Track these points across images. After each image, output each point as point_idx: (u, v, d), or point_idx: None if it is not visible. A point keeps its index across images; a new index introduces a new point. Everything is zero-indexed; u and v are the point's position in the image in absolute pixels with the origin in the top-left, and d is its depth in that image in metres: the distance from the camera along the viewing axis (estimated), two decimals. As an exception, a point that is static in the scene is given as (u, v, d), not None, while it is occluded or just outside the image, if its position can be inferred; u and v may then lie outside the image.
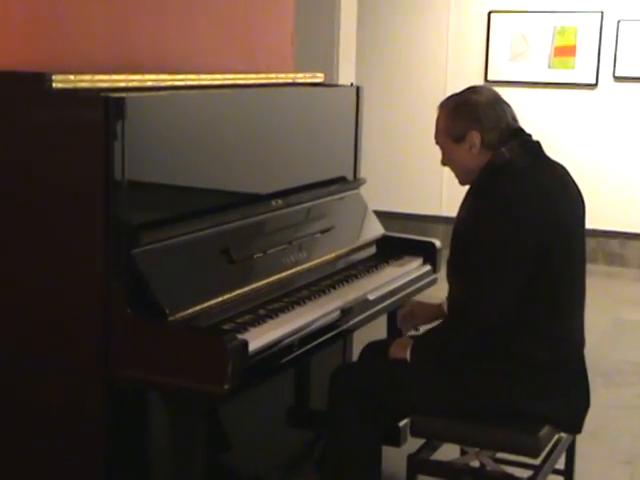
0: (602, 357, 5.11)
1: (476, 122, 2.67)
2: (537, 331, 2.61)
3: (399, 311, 3.13)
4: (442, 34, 7.70)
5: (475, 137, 2.67)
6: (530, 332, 2.61)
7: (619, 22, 7.11)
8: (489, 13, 7.50)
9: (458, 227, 2.72)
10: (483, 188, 2.64)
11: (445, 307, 2.92)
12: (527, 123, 7.55)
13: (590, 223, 7.75)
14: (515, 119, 2.74)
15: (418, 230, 7.07)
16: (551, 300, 2.63)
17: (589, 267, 7.42)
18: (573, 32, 7.27)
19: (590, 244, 7.40)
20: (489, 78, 7.52)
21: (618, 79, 7.20)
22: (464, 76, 7.47)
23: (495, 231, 2.55)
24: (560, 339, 2.66)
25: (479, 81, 7.41)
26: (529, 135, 2.75)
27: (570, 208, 2.70)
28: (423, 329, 2.97)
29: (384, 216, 6.77)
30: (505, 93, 7.90)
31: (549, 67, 7.37)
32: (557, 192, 2.66)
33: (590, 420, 4.14)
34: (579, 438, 3.80)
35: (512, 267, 2.56)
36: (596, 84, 7.26)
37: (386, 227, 3.68)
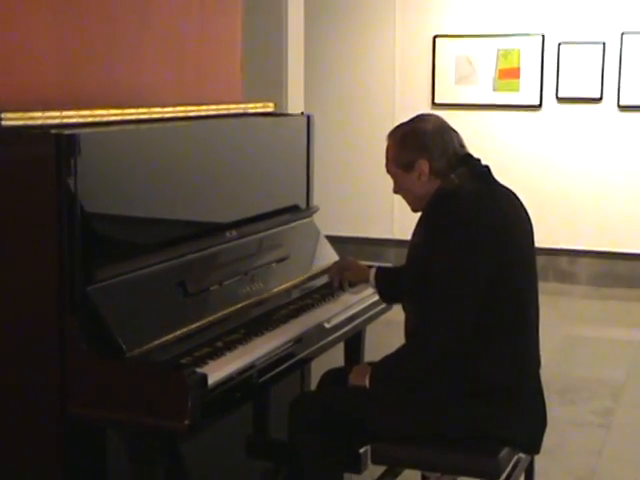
0: (555, 374, 5.18)
1: (424, 151, 2.71)
2: (494, 353, 2.64)
3: (332, 264, 3.28)
4: (388, 59, 7.78)
5: (424, 165, 2.71)
6: (487, 355, 2.64)
7: (559, 45, 7.26)
8: (434, 37, 7.61)
9: (411, 253, 2.75)
10: (434, 214, 2.68)
11: (372, 274, 3.08)
12: (474, 145, 7.68)
13: (539, 241, 7.87)
14: (462, 145, 2.78)
15: (371, 253, 7.11)
16: (507, 322, 2.66)
17: (540, 285, 7.51)
18: (516, 55, 7.40)
19: (540, 262, 7.45)
20: (436, 101, 7.62)
21: (561, 100, 7.34)
22: (411, 100, 7.57)
23: (448, 256, 2.58)
24: (517, 360, 2.69)
25: (426, 104, 7.52)
26: (478, 160, 2.80)
27: (521, 230, 2.75)
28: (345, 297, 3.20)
29: (337, 240, 6.81)
30: (452, 116, 8.06)
31: (494, 90, 7.49)
32: (507, 215, 2.71)
33: (547, 438, 4.18)
34: (537, 456, 3.86)
35: (466, 291, 2.59)
36: (540, 105, 7.40)
37: (340, 251, 3.69)
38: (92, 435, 2.53)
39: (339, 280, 3.25)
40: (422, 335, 2.66)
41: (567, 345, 5.85)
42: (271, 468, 3.49)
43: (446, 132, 2.76)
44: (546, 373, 5.10)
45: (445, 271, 2.59)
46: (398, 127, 2.82)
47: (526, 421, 2.71)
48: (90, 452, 2.56)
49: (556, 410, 4.61)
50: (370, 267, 3.17)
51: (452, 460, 2.65)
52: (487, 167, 2.79)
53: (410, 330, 2.75)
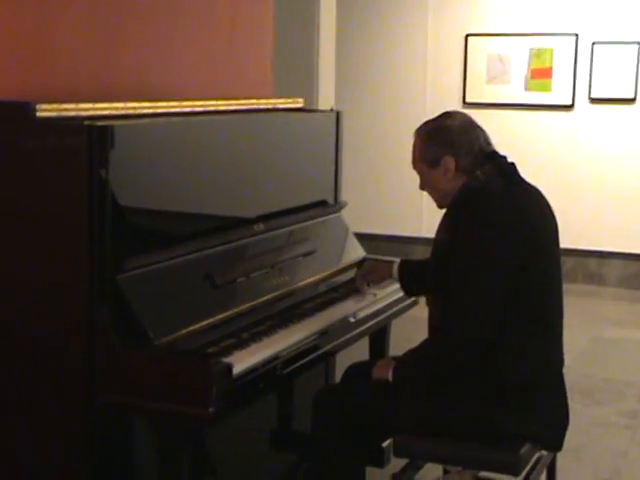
0: (582, 375, 5.18)
1: (450, 147, 2.73)
2: (517, 350, 2.66)
3: (355, 273, 3.32)
4: (420, 58, 7.79)
5: (449, 162, 2.73)
6: (510, 351, 2.65)
7: (593, 44, 7.23)
8: (466, 36, 7.60)
9: (436, 249, 2.77)
10: (459, 210, 2.70)
11: (395, 268, 3.12)
12: (505, 144, 7.64)
13: (568, 242, 7.86)
14: (489, 143, 2.80)
15: (399, 251, 7.13)
16: (530, 319, 2.67)
17: (568, 286, 7.51)
18: (549, 54, 7.38)
19: (569, 263, 7.52)
20: (467, 100, 7.62)
21: (594, 101, 7.31)
22: (442, 99, 7.56)
23: (472, 252, 2.60)
24: (539, 358, 2.70)
25: (457, 103, 7.51)
26: (504, 157, 2.81)
27: (545, 228, 2.75)
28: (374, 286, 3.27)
29: (366, 238, 6.84)
30: (483, 115, 8.04)
31: (526, 89, 7.47)
32: (531, 212, 2.72)
33: (571, 438, 4.19)
34: (561, 456, 3.85)
35: (490, 287, 2.61)
36: (572, 105, 7.37)
37: (368, 249, 3.73)
38: (120, 421, 2.58)
39: (367, 285, 3.28)
40: (445, 331, 2.68)
41: (594, 346, 5.83)
42: (294, 460, 3.53)
43: (472, 129, 2.78)
44: (573, 374, 5.14)
45: (468, 267, 2.61)
46: (425, 124, 2.84)
47: (548, 418, 2.72)
48: (118, 438, 2.61)
49: (581, 411, 4.62)
50: (393, 261, 3.19)
51: (473, 454, 2.67)
52: (513, 164, 2.80)
53: (434, 325, 2.77)
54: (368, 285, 3.28)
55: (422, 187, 2.88)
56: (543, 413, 2.70)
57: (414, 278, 3.09)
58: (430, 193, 2.87)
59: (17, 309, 2.55)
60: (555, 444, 2.82)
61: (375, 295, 3.28)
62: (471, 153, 2.74)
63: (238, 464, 3.19)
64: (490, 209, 2.64)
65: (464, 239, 2.63)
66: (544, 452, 2.89)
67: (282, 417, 3.52)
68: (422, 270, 3.00)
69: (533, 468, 2.81)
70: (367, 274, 3.25)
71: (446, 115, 2.85)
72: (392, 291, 3.44)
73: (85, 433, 2.50)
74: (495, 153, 2.81)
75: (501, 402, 2.64)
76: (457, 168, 2.75)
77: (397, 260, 3.19)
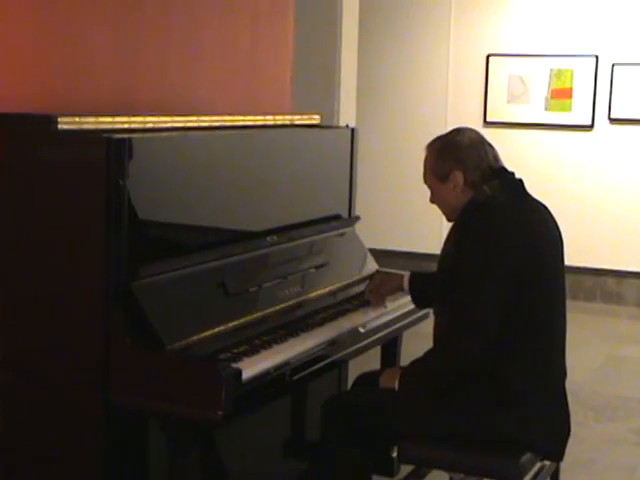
0: (595, 392, 5.21)
1: (459, 163, 2.81)
2: (519, 361, 2.73)
3: (367, 285, 3.38)
4: (442, 77, 7.88)
5: (458, 177, 2.81)
6: (512, 362, 2.72)
7: (613, 66, 7.29)
8: (487, 56, 7.69)
9: (443, 261, 2.85)
10: (465, 224, 2.78)
11: (406, 280, 3.18)
12: (525, 164, 7.74)
13: (587, 262, 7.86)
14: (497, 159, 2.87)
15: (419, 268, 7.18)
16: (532, 331, 2.74)
17: (586, 305, 7.52)
18: (569, 75, 7.44)
19: (588, 282, 7.56)
20: (488, 120, 7.69)
21: (613, 121, 7.36)
22: (464, 118, 7.63)
23: (477, 263, 2.68)
24: (541, 369, 2.77)
25: (478, 122, 7.58)
26: (512, 174, 2.88)
27: (549, 242, 2.82)
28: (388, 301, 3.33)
29: (385, 255, 6.94)
30: (503, 135, 8.09)
31: (546, 109, 7.53)
32: (536, 226, 2.79)
33: (582, 452, 4.26)
34: (570, 469, 3.91)
35: (494, 298, 2.68)
36: (592, 126, 7.42)
37: (387, 265, 3.80)
38: (134, 423, 2.67)
39: (379, 299, 3.34)
40: (448, 340, 2.75)
41: (609, 364, 5.86)
42: (307, 469, 3.60)
43: (481, 146, 2.86)
44: (586, 390, 5.18)
45: (472, 278, 2.68)
46: (436, 139, 2.93)
47: (548, 428, 2.78)
48: (131, 439, 2.69)
49: (593, 426, 4.67)
50: (403, 274, 3.27)
51: (475, 462, 2.74)
52: (520, 180, 2.87)
53: (439, 335, 2.84)
54: (381, 297, 3.33)
55: (432, 201, 2.97)
56: (544, 422, 2.76)
57: (425, 290, 3.16)
58: (440, 207, 2.96)
59: (35, 315, 2.65)
60: (556, 454, 2.88)
61: (386, 307, 3.35)
62: (479, 168, 2.82)
63: (251, 472, 3.26)
64: (495, 222, 2.72)
65: (469, 251, 2.71)
66: (547, 462, 2.95)
67: (295, 426, 3.60)
68: (432, 282, 3.07)
69: (535, 477, 2.87)
70: (378, 286, 3.31)
71: (456, 131, 2.93)
72: (403, 303, 3.51)
73: (100, 433, 2.59)
74: (503, 169, 2.89)
75: (503, 410, 2.71)
76: (465, 183, 2.83)
77: (407, 273, 3.26)
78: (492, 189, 2.80)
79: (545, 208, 2.90)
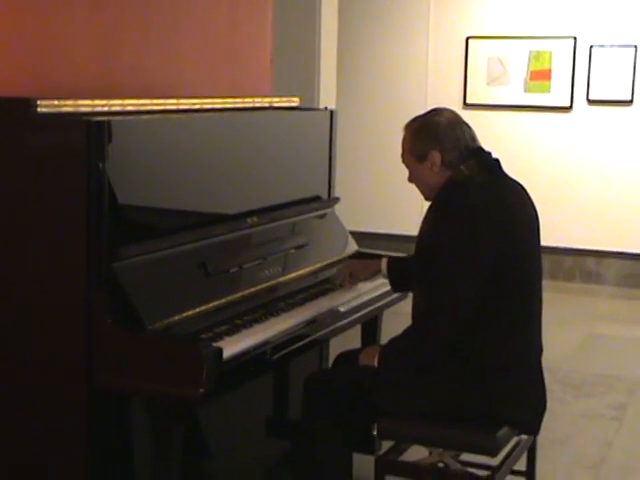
0: (574, 370, 5.29)
1: (436, 142, 2.85)
2: (495, 338, 2.78)
3: (337, 271, 3.40)
4: (422, 59, 7.92)
5: (436, 156, 2.85)
6: (489, 339, 2.77)
7: (591, 47, 7.34)
8: (467, 39, 7.72)
9: (420, 240, 2.90)
10: (443, 203, 2.82)
11: (384, 265, 3.19)
12: (505, 145, 7.78)
13: (567, 242, 7.92)
14: (474, 139, 2.91)
15: (400, 250, 7.19)
16: (508, 309, 2.79)
17: (566, 285, 7.58)
18: (548, 57, 7.49)
19: (567, 263, 7.63)
20: (468, 102, 7.73)
21: (592, 102, 7.42)
22: (443, 100, 7.63)
23: (454, 242, 2.72)
24: (517, 346, 2.82)
25: (458, 104, 7.63)
26: (488, 154, 2.92)
27: (525, 220, 2.87)
28: (361, 285, 3.35)
29: (368, 237, 6.98)
30: (483, 117, 8.12)
31: (525, 91, 7.58)
32: (513, 205, 2.83)
33: (560, 428, 4.34)
34: (548, 444, 3.98)
35: (471, 276, 2.73)
36: (571, 107, 7.48)
37: (369, 247, 3.83)
38: (117, 403, 2.70)
39: (351, 284, 3.37)
40: (426, 318, 2.80)
41: (589, 343, 5.94)
42: (289, 448, 3.64)
43: (458, 126, 2.90)
44: (566, 368, 5.26)
45: (449, 257, 2.73)
46: (414, 119, 2.97)
47: (524, 402, 2.83)
48: (115, 418, 2.73)
49: (571, 403, 4.74)
50: (381, 257, 3.30)
51: (453, 436, 2.79)
52: (497, 160, 2.92)
53: (417, 313, 2.89)
54: (352, 282, 3.36)
55: (410, 180, 3.01)
56: (520, 397, 2.82)
57: (403, 275, 3.20)
58: (418, 186, 3.00)
59: (18, 296, 2.68)
60: (532, 428, 2.93)
61: (359, 291, 3.36)
62: (456, 148, 2.86)
63: (233, 450, 3.30)
64: (471, 202, 2.76)
65: (446, 231, 2.75)
66: (524, 437, 3.01)
67: (277, 404, 3.64)
68: (410, 262, 3.12)
69: (512, 451, 2.93)
70: (355, 273, 3.34)
71: (434, 112, 2.97)
72: (382, 283, 3.55)
73: (83, 413, 2.62)
74: (480, 149, 2.93)
75: (480, 386, 2.76)
76: (443, 163, 2.87)
77: (384, 258, 3.29)
78: (469, 169, 2.84)
79: (522, 187, 2.94)
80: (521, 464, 3.08)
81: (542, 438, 3.12)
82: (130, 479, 2.86)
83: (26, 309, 2.67)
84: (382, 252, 3.80)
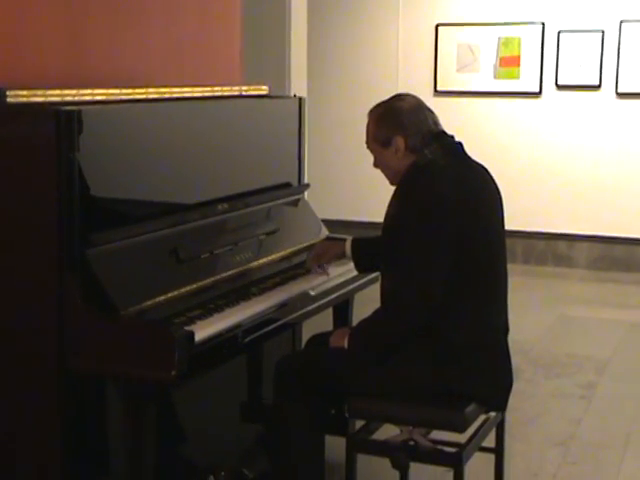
0: (545, 351, 5.39)
1: (399, 128, 2.91)
2: (461, 317, 2.84)
3: (307, 254, 3.43)
4: (392, 47, 7.97)
5: (399, 141, 2.91)
6: (454, 317, 2.84)
7: (559, 33, 7.43)
8: (436, 26, 7.79)
9: (386, 224, 2.95)
10: (407, 186, 2.88)
11: (348, 246, 3.25)
12: (476, 132, 7.84)
13: (538, 226, 8.02)
14: (437, 123, 2.97)
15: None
16: (473, 288, 2.86)
17: (538, 269, 7.68)
18: (517, 43, 7.57)
19: (539, 247, 7.73)
20: (438, 89, 7.81)
21: (561, 87, 7.51)
22: (414, 87, 7.69)
23: (419, 224, 2.79)
24: (482, 324, 2.89)
25: (429, 92, 7.70)
26: (451, 137, 2.98)
27: (489, 202, 2.94)
28: (331, 269, 3.40)
29: (340, 224, 7.03)
30: (454, 103, 8.17)
31: (495, 77, 7.66)
32: (476, 187, 2.90)
33: (530, 407, 4.42)
34: (518, 423, 4.07)
35: (436, 257, 2.79)
36: (540, 92, 7.56)
37: (343, 234, 3.87)
38: (91, 387, 2.75)
39: (320, 268, 3.40)
40: (394, 300, 2.86)
41: (559, 324, 6.04)
42: (263, 429, 3.70)
43: (421, 111, 2.96)
44: (537, 349, 5.36)
45: (414, 239, 2.79)
46: (377, 105, 3.02)
47: (490, 380, 2.90)
48: (88, 403, 2.77)
49: (542, 383, 4.83)
50: (344, 240, 3.36)
51: (422, 414, 2.86)
52: (459, 143, 2.98)
53: (385, 295, 2.95)
54: (320, 266, 3.39)
55: (376, 165, 3.07)
56: (487, 375, 2.89)
57: (367, 255, 3.26)
58: (383, 172, 3.06)
59: (-7, 283, 2.72)
60: (499, 405, 3.01)
61: (328, 275, 3.42)
62: (420, 133, 2.92)
63: (207, 432, 3.36)
64: (435, 183, 2.83)
65: (411, 212, 2.81)
66: (492, 414, 3.08)
67: (251, 389, 3.70)
68: (374, 246, 3.18)
69: (480, 427, 3.00)
70: (320, 255, 3.38)
71: (397, 97, 3.03)
72: (352, 267, 3.61)
73: (56, 398, 2.66)
74: (443, 132, 2.99)
75: (447, 364, 2.83)
76: (407, 147, 2.92)
77: (348, 239, 3.34)
78: (433, 153, 2.90)
79: (485, 170, 3.01)
80: (491, 441, 3.16)
81: (513, 417, 3.20)
82: (104, 463, 2.91)
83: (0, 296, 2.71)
84: (352, 236, 3.86)
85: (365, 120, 3.05)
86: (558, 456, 3.92)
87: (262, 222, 3.43)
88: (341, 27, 8.08)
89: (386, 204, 3.00)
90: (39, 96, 2.71)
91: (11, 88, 2.63)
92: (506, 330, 3.02)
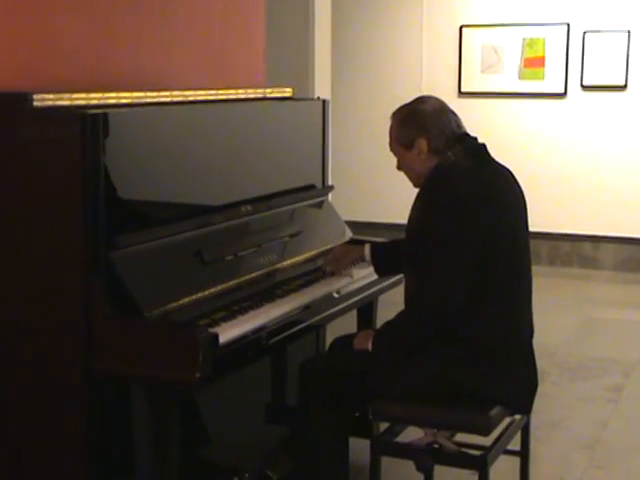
0: (571, 353, 5.36)
1: (423, 130, 2.90)
2: (485, 319, 2.83)
3: (324, 258, 3.43)
4: (416, 49, 7.96)
5: (422, 144, 2.91)
6: (479, 320, 2.83)
7: (585, 33, 7.38)
8: (460, 27, 7.77)
9: (410, 226, 2.95)
10: (431, 188, 2.88)
11: (367, 251, 3.23)
12: (500, 133, 7.80)
13: (564, 228, 7.97)
14: (460, 125, 2.96)
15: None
16: (497, 290, 2.84)
17: (564, 270, 7.63)
18: (542, 44, 7.54)
19: (564, 248, 7.69)
20: (462, 90, 7.78)
21: (585, 88, 7.47)
22: (438, 89, 7.70)
23: (443, 227, 2.78)
24: (507, 326, 2.87)
25: (453, 93, 7.69)
26: (474, 139, 2.97)
27: (513, 204, 2.92)
28: (356, 271, 3.39)
29: (363, 227, 7.03)
30: (477, 105, 8.14)
31: (519, 78, 7.63)
32: (500, 189, 2.89)
33: (556, 410, 4.40)
34: (542, 426, 4.05)
35: (460, 259, 2.78)
36: (565, 93, 7.52)
37: (365, 237, 3.87)
38: (116, 389, 2.76)
39: (338, 271, 3.40)
40: (418, 302, 2.86)
41: (585, 326, 6.00)
42: (287, 433, 3.70)
43: (444, 113, 2.95)
44: (562, 352, 5.32)
45: (438, 242, 2.78)
46: (400, 108, 3.02)
47: (515, 382, 2.89)
48: (114, 404, 2.79)
49: (568, 386, 4.80)
50: (363, 243, 3.35)
51: (446, 417, 2.85)
52: (483, 145, 2.97)
53: (409, 297, 2.94)
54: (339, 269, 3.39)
55: (399, 168, 3.07)
56: (511, 377, 2.88)
57: (387, 259, 3.26)
58: (406, 174, 3.05)
59: (18, 287, 2.73)
60: (524, 407, 2.99)
61: (352, 277, 3.42)
62: (443, 135, 2.92)
63: (232, 434, 3.36)
64: (458, 185, 2.82)
65: (435, 214, 2.81)
66: (517, 417, 3.07)
67: (275, 391, 3.70)
68: (394, 251, 3.17)
69: (505, 430, 2.99)
70: (337, 259, 3.37)
71: (420, 100, 3.03)
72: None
73: (81, 400, 2.68)
74: (466, 135, 2.98)
75: (472, 366, 2.82)
76: (430, 150, 2.92)
77: (367, 244, 3.33)
78: (456, 155, 2.89)
79: (509, 172, 2.99)
80: (516, 444, 3.14)
81: (538, 420, 3.17)
82: (129, 465, 2.93)
83: (26, 299, 2.73)
84: (375, 239, 3.87)
85: (389, 122, 3.04)
86: (584, 460, 3.89)
87: (286, 224, 3.44)
88: (365, 29, 8.07)
89: (409, 206, 3.00)
90: (65, 100, 2.73)
91: (38, 92, 2.65)
92: (531, 332, 3.01)
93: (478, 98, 7.70)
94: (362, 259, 3.31)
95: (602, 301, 6.72)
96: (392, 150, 3.02)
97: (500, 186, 2.90)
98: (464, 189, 2.80)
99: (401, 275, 3.70)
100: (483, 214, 2.79)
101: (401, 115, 2.97)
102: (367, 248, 3.29)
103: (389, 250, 3.27)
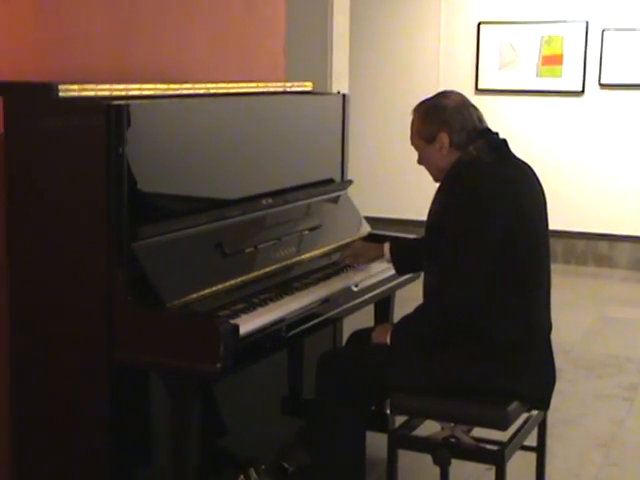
0: (586, 351, 5.35)
1: (444, 124, 2.91)
2: (504, 314, 2.84)
3: (341, 253, 3.44)
4: (434, 45, 7.96)
5: (444, 138, 2.91)
6: (498, 315, 2.83)
7: (603, 31, 7.37)
8: (478, 24, 7.76)
9: (430, 220, 2.96)
10: (452, 183, 2.88)
11: (386, 250, 3.25)
12: (517, 130, 7.79)
13: (579, 226, 7.96)
14: (482, 120, 2.97)
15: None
16: (517, 286, 2.85)
17: (579, 269, 7.62)
18: (560, 41, 7.52)
19: (580, 246, 7.68)
20: (479, 87, 7.78)
21: (604, 86, 7.45)
22: (455, 85, 7.62)
23: (464, 221, 2.79)
24: (526, 321, 2.87)
25: (470, 90, 7.68)
26: (496, 134, 2.98)
27: (533, 200, 2.93)
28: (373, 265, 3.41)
29: (380, 222, 7.04)
30: (495, 102, 8.12)
31: (537, 75, 7.62)
32: (520, 185, 2.89)
33: (572, 408, 4.40)
34: (558, 424, 4.05)
35: (480, 254, 2.79)
36: (583, 91, 7.51)
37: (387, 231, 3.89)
38: (137, 379, 2.78)
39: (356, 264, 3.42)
40: (437, 296, 2.87)
41: (601, 325, 5.99)
42: (303, 424, 3.72)
43: (465, 108, 2.96)
44: (578, 350, 5.32)
45: (458, 236, 2.79)
46: (422, 102, 3.03)
47: (533, 377, 2.90)
48: (135, 393, 2.81)
49: (583, 383, 4.80)
50: (384, 242, 3.35)
51: (464, 411, 2.86)
52: (504, 140, 2.97)
53: (428, 290, 2.95)
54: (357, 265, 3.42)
55: (420, 162, 3.07)
56: (530, 372, 2.88)
57: (406, 257, 3.27)
58: (427, 168, 3.06)
59: (42, 277, 2.76)
60: (542, 403, 2.99)
61: (369, 272, 3.43)
62: (464, 130, 2.92)
63: (249, 426, 3.38)
64: (480, 180, 2.82)
65: (456, 209, 2.81)
66: (534, 413, 3.07)
67: (292, 384, 3.72)
68: (414, 249, 3.18)
69: (523, 426, 2.99)
70: (357, 255, 3.39)
71: (442, 94, 3.03)
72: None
73: (104, 388, 2.70)
74: (488, 130, 2.98)
75: (490, 361, 2.83)
76: (451, 144, 2.93)
77: (387, 242, 3.34)
78: (477, 150, 2.90)
79: (529, 168, 3.00)
80: (532, 440, 3.15)
81: (553, 418, 3.17)
82: (150, 455, 2.95)
83: (49, 288, 2.75)
84: (394, 234, 3.88)
85: (407, 117, 3.05)
86: (600, 457, 3.89)
87: (305, 218, 3.45)
88: (383, 25, 8.07)
89: (429, 201, 3.01)
90: (89, 90, 2.74)
91: (63, 83, 2.67)
92: (549, 328, 3.01)
93: (495, 95, 7.69)
94: (381, 257, 3.32)
95: (617, 300, 6.71)
96: (413, 144, 3.03)
97: (521, 182, 2.90)
98: (485, 185, 2.81)
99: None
100: (503, 209, 2.79)
101: (423, 109, 2.98)
102: (387, 247, 3.29)
103: (409, 249, 3.28)
